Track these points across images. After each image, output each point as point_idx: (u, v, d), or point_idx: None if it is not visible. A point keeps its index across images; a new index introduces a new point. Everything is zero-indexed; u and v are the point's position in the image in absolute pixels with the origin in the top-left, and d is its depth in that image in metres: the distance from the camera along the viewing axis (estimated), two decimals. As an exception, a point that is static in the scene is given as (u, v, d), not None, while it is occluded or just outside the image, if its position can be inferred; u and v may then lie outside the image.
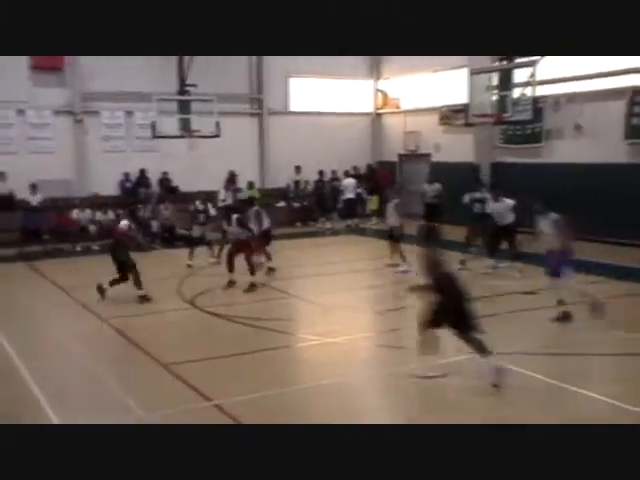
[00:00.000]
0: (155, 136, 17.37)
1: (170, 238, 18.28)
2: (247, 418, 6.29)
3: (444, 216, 16.99)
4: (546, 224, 9.55)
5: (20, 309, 11.19)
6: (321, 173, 22.81)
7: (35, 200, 18.44)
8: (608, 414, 6.44)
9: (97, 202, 19.35)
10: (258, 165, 22.95)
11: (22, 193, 18.63)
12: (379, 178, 22.90)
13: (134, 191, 20.42)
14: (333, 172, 22.89)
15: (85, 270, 14.47)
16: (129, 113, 20.69)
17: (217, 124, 17.18)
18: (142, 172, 20.65)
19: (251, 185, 21.35)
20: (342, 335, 9.29)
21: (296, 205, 22.18)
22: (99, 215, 18.59)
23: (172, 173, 20.94)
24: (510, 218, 12.80)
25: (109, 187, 20.27)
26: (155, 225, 18.97)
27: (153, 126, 16.95)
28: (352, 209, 21.32)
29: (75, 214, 18.41)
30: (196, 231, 15.48)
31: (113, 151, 20.55)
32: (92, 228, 18.19)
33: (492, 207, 13.07)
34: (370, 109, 24.75)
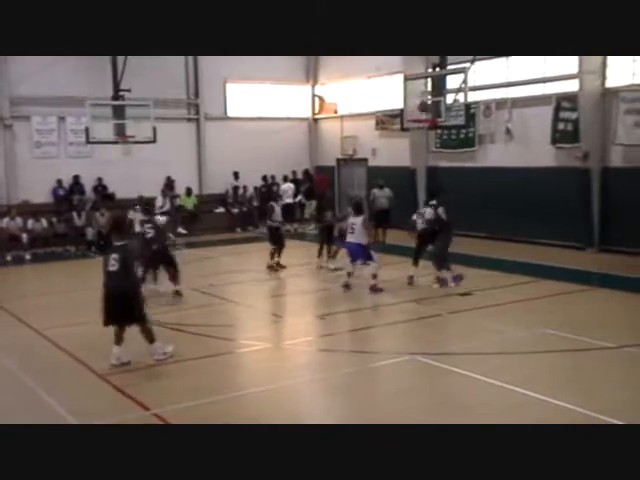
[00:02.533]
0: (89, 142, 17.02)
1: (106, 246, 17.88)
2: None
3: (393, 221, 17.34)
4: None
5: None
6: (265, 178, 22.77)
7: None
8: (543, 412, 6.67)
9: (28, 210, 18.78)
10: (196, 171, 22.73)
11: None
12: (316, 183, 23.01)
13: (67, 198, 19.92)
14: (272, 177, 22.90)
15: (15, 281, 14.04)
16: (62, 118, 20.16)
17: (153, 129, 16.96)
18: (76, 178, 20.16)
19: (189, 191, 21.17)
20: (285, 340, 9.31)
21: (235, 211, 22.08)
22: (31, 223, 18.03)
23: (107, 179, 20.54)
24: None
25: (41, 194, 19.72)
26: (91, 233, 18.54)
27: (87, 131, 16.60)
28: (291, 214, 21.35)
29: (4, 222, 17.79)
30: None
31: (45, 157, 19.99)
32: (24, 237, 17.61)
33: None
34: (308, 114, 24.87)
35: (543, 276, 13.00)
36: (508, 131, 17.86)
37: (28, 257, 16.99)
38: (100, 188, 20.57)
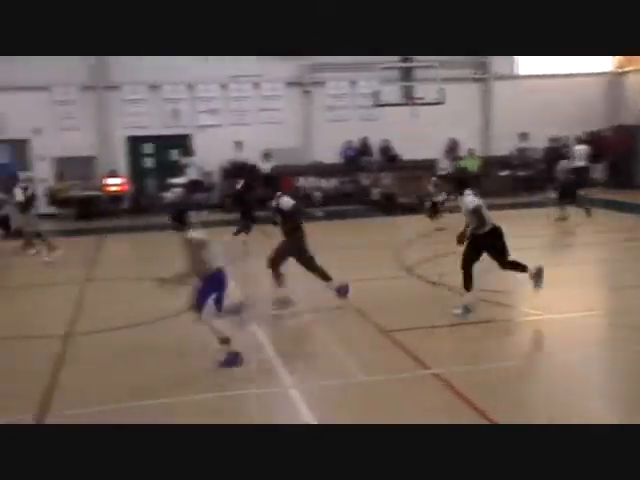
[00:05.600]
0: (377, 104, 17.57)
1: (389, 206, 18.50)
2: (464, 390, 6.18)
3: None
4: None
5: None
6: (554, 140, 21.47)
7: (266, 168, 19.66)
8: None
9: (320, 170, 20.15)
10: (480, 132, 22.26)
11: (255, 161, 19.98)
12: (609, 144, 20.97)
13: (355, 159, 20.92)
14: (562, 138, 21.50)
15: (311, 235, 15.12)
16: (353, 82, 21.14)
17: (441, 90, 16.92)
18: (364, 140, 21.06)
19: (471, 153, 20.83)
20: (566, 312, 8.74)
21: (520, 174, 21.20)
22: (323, 182, 19.34)
23: (392, 141, 21.10)
24: None
25: (331, 155, 20.97)
26: (375, 193, 19.30)
27: (376, 95, 17.16)
28: (581, 178, 19.83)
29: (300, 181, 19.32)
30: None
31: (336, 120, 21.17)
32: (316, 195, 18.95)
33: None
34: (607, 68, 22.71)
35: None
36: None
37: (320, 214, 18.25)
38: (386, 150, 21.24)
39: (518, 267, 8.60)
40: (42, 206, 19.86)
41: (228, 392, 6.46)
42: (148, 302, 9.21)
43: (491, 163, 21.22)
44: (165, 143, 20.86)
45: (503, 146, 21.71)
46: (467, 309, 8.44)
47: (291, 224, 9.12)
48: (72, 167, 19.86)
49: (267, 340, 7.92)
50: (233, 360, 6.89)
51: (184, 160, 20.07)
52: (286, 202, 9.13)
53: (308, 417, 5.85)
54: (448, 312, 8.68)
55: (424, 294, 9.99)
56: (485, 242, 8.35)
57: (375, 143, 21.28)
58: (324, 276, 9.26)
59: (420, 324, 8.32)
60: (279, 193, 9.29)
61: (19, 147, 21.54)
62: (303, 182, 19.37)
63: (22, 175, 21.79)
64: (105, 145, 20.37)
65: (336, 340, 7.90)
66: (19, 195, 13.82)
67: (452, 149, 20.90)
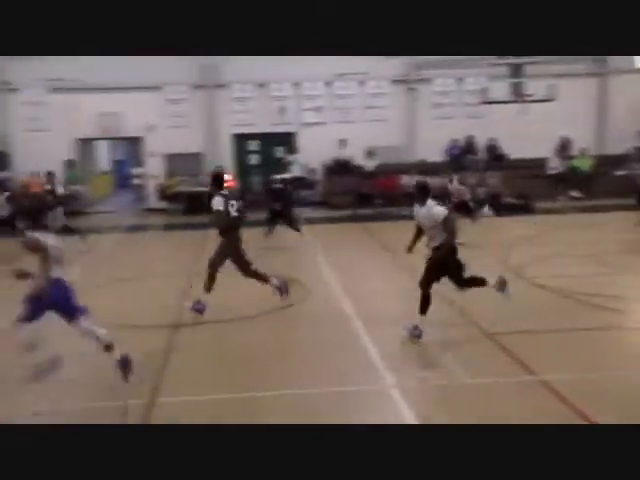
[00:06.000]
0: (485, 102, 17.14)
1: (497, 206, 17.98)
2: (574, 399, 5.90)
3: None
4: None
5: (353, 263, 12.05)
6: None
7: (370, 165, 19.63)
8: None
9: (424, 168, 19.87)
10: (594, 130, 21.24)
11: (358, 159, 19.99)
12: None
13: (460, 158, 20.50)
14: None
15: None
16: (460, 80, 20.72)
17: (551, 87, 16.31)
18: (469, 138, 20.60)
19: (584, 152, 19.94)
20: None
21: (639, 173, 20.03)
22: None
23: (499, 140, 20.51)
24: None
25: (435, 154, 20.64)
26: (482, 193, 18.81)
27: (484, 92, 16.75)
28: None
29: (403, 179, 19.14)
30: None
31: (442, 118, 20.82)
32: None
33: None
34: None
35: None
36: None
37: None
38: (492, 148, 20.68)
39: (477, 282, 7.91)
40: (153, 201, 20.78)
41: (332, 388, 6.46)
42: (253, 295, 9.37)
43: (607, 162, 20.21)
44: (270, 140, 21.24)
45: (620, 145, 20.61)
46: (416, 329, 7.65)
47: (222, 225, 8.75)
48: (181, 163, 20.59)
49: (372, 342, 7.89)
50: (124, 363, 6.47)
51: (289, 157, 20.35)
52: (216, 202, 8.70)
53: (410, 417, 5.79)
54: (554, 316, 8.33)
55: (531, 298, 9.64)
56: (447, 259, 7.58)
57: (481, 141, 20.76)
58: (262, 278, 9.02)
59: (525, 327, 8.02)
60: (224, 192, 8.88)
61: (133, 144, 22.61)
62: (407, 180, 19.15)
63: (135, 171, 22.94)
64: (212, 142, 20.97)
65: (438, 341, 7.75)
66: None
67: (564, 148, 20.08)
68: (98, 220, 19.35)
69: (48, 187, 15.74)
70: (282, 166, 20.07)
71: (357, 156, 20.03)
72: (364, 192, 19.03)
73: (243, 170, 21.26)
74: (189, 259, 12.69)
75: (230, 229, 8.78)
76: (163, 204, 20.44)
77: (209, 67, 20.34)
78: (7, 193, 17.45)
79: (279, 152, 21.13)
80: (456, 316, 8.66)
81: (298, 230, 14.03)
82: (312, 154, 20.12)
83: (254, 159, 21.59)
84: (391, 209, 18.25)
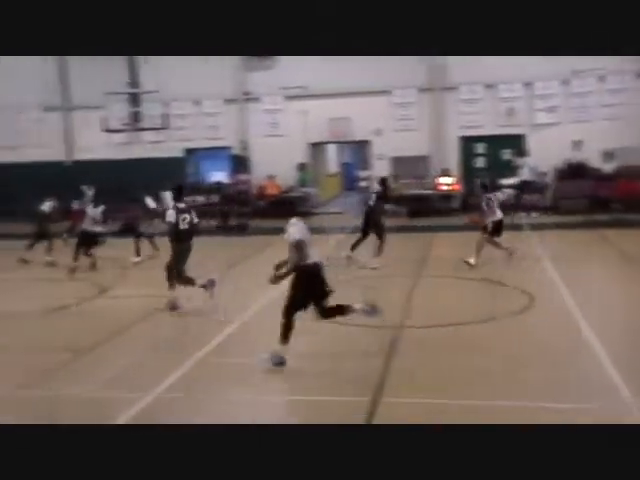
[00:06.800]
0: None
1: None
2: None
3: None
4: None
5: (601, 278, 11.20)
6: None
7: (608, 168, 18.20)
8: None
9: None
10: None
11: (593, 161, 18.65)
12: None
13: None
14: None
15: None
16: None
17: None
18: None
19: None
20: None
21: None
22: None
23: None
24: None
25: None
26: None
27: None
28: None
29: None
30: None
31: None
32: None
33: None
34: None
35: None
36: None
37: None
38: None
39: (343, 311, 7.07)
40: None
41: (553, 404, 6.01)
42: (475, 301, 9.10)
43: None
44: (497, 142, 20.60)
45: None
46: (278, 358, 6.82)
47: (171, 236, 9.44)
48: (406, 166, 20.71)
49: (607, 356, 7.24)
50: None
51: (518, 160, 19.59)
52: (169, 215, 9.40)
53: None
54: None
55: None
56: (312, 282, 6.82)
57: None
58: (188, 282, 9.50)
59: None
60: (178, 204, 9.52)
61: (361, 147, 23.25)
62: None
63: (362, 173, 23.56)
64: (438, 145, 20.84)
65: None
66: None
67: None
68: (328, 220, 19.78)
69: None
70: (510, 169, 19.39)
71: (592, 158, 18.65)
72: (601, 196, 17.66)
73: (468, 173, 20.85)
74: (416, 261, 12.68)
75: (177, 240, 9.41)
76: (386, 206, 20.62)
77: (437, 68, 20.22)
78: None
79: (506, 154, 20.42)
80: None
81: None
82: (542, 156, 19.15)
83: (480, 162, 21.08)
84: (633, 215, 16.72)
